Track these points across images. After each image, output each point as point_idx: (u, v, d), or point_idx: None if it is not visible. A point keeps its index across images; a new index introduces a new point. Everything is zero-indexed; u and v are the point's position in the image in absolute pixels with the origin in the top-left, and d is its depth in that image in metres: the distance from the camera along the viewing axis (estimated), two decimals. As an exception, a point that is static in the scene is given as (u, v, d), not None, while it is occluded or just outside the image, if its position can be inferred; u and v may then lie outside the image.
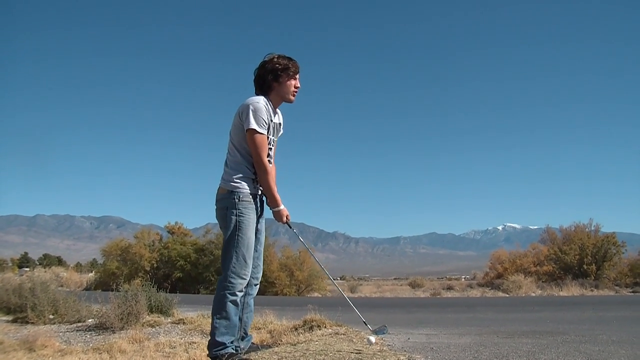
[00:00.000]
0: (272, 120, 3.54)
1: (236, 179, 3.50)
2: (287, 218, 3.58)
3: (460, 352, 3.81)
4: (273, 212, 3.58)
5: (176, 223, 30.80)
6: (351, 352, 3.55)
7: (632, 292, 23.10)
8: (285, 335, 4.95)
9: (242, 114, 3.46)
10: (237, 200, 3.47)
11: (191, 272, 26.11)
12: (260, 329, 5.94)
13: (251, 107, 3.42)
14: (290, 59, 3.57)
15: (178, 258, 26.44)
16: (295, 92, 3.60)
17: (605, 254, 26.00)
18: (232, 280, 3.42)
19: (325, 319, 5.24)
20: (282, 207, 3.54)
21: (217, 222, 3.63)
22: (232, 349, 3.44)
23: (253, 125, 3.38)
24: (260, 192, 3.58)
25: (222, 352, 3.38)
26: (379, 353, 3.60)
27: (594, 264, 25.58)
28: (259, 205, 3.59)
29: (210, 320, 3.52)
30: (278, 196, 3.54)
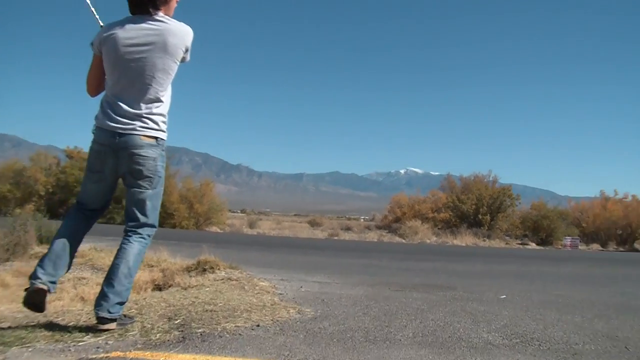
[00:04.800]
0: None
1: None
2: None
3: (350, 307, 3.82)
4: None
5: (76, 147, 29.56)
6: (241, 304, 3.47)
7: (521, 243, 24.70)
8: (177, 275, 4.97)
9: None
10: None
11: (88, 199, 24.66)
12: (153, 266, 5.90)
13: None
14: None
15: (76, 184, 25.04)
16: None
17: (500, 206, 27.43)
18: None
19: (219, 261, 5.26)
20: None
21: None
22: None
23: None
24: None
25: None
26: (269, 305, 3.55)
27: (488, 215, 26.93)
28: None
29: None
30: None
